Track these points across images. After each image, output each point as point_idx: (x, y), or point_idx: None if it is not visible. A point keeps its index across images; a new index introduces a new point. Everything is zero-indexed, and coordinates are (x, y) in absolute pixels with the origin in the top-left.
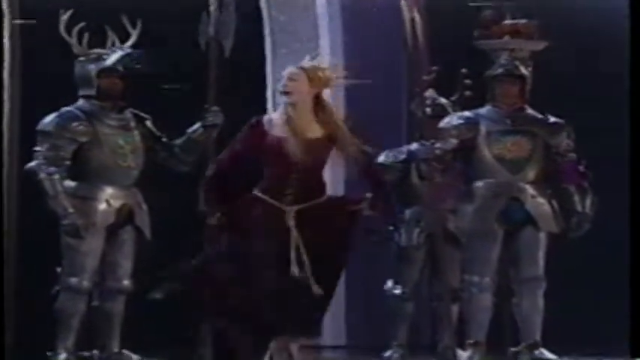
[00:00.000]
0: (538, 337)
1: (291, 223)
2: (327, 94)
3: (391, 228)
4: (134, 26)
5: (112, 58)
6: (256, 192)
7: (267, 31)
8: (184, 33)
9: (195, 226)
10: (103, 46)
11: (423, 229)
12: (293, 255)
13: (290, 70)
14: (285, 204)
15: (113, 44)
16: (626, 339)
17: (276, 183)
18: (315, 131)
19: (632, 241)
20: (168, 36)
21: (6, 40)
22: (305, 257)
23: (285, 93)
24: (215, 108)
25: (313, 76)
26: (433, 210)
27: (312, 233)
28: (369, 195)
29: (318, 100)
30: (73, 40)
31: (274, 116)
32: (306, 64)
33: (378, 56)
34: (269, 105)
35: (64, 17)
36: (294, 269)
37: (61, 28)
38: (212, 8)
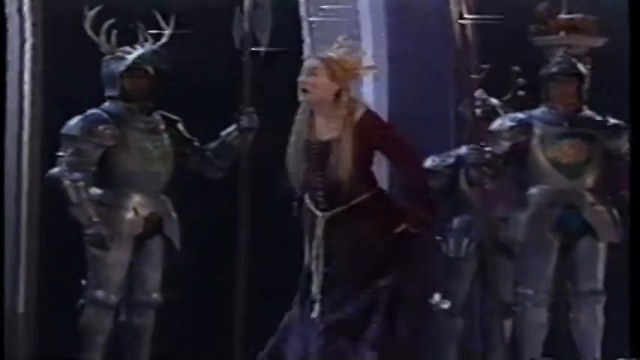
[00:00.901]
0: (598, 354)
1: (319, 230)
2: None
3: (439, 238)
4: (167, 22)
5: (134, 56)
6: (305, 197)
7: (305, 28)
8: (218, 29)
9: (229, 236)
10: (134, 44)
11: (473, 239)
12: (314, 267)
13: (309, 62)
14: (319, 209)
15: (146, 41)
16: (626, 339)
17: (311, 187)
18: (334, 130)
19: (632, 241)
20: (200, 32)
21: (28, 38)
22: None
23: (304, 91)
24: (250, 109)
25: (335, 69)
26: (484, 218)
27: (347, 241)
28: (411, 208)
29: (338, 96)
30: (101, 39)
31: (297, 117)
32: (325, 55)
33: (424, 53)
34: None
35: (91, 14)
36: (315, 286)
37: (87, 25)
38: (247, 3)
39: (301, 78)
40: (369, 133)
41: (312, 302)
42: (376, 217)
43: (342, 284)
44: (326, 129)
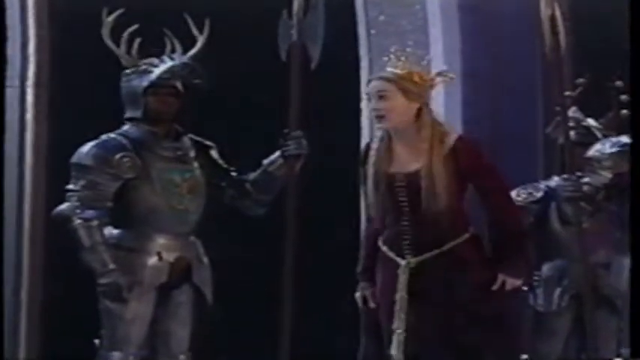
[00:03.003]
0: None
1: (402, 281)
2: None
3: (525, 288)
4: (201, 30)
5: (160, 70)
6: (380, 242)
7: (362, 36)
8: (261, 38)
9: (271, 286)
10: (160, 54)
11: (567, 290)
12: (395, 325)
13: (376, 84)
14: (401, 256)
15: (173, 52)
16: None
17: (392, 229)
18: (420, 160)
19: (632, 241)
20: (240, 41)
21: (31, 49)
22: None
23: (379, 118)
24: (298, 133)
25: (408, 86)
26: (580, 264)
27: (434, 294)
28: (508, 256)
29: (419, 117)
30: (121, 49)
31: (374, 146)
32: (390, 73)
33: (507, 65)
34: (364, 129)
35: (109, 20)
36: (395, 348)
37: (105, 33)
38: (295, 7)
39: (373, 104)
40: (464, 162)
41: None
42: (470, 267)
43: (426, 344)
44: (409, 158)
